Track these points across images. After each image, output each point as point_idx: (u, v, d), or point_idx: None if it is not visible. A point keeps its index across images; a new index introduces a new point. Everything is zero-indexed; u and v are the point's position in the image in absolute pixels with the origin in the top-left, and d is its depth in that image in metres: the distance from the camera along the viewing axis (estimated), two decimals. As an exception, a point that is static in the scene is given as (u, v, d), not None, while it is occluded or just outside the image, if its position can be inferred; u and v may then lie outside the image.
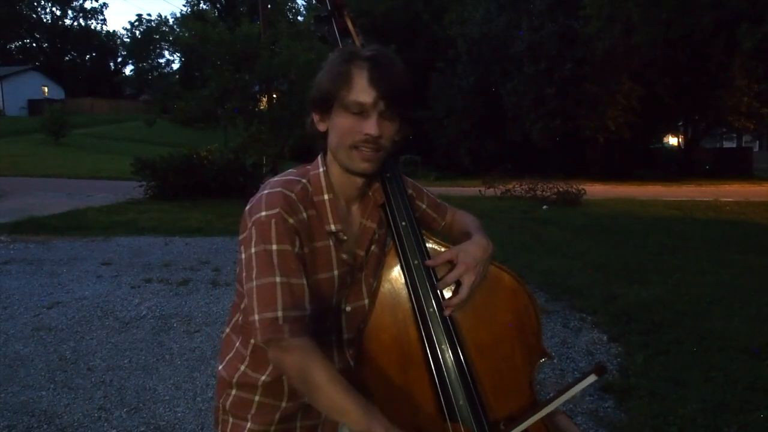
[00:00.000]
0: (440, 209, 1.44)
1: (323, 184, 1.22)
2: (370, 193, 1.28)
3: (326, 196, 1.21)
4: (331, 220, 1.20)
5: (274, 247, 1.10)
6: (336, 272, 1.21)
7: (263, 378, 1.26)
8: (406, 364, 1.23)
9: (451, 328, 1.22)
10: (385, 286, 1.26)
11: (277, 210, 1.13)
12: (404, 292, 1.25)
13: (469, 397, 1.20)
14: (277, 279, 1.09)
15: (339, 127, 1.16)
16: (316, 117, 1.22)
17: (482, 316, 1.25)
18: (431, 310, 1.22)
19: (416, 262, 1.24)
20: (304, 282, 1.12)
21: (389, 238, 1.31)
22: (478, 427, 1.20)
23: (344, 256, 1.22)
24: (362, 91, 1.13)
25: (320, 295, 1.18)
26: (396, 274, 1.26)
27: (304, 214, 1.17)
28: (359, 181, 1.23)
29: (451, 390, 1.20)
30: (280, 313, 1.07)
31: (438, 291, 1.23)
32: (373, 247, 1.29)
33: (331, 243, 1.21)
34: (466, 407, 1.20)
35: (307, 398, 1.15)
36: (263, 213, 1.13)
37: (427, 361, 1.22)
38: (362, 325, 1.26)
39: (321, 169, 1.23)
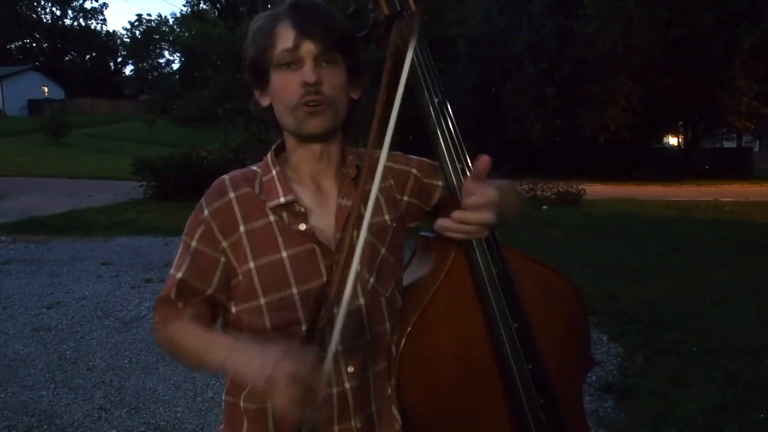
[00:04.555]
0: None
1: (269, 162, 1.11)
2: (347, 170, 1.12)
3: (274, 171, 1.09)
4: (281, 193, 1.06)
5: (183, 236, 1.10)
6: (285, 254, 1.04)
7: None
8: (470, 384, 1.09)
9: (534, 342, 1.09)
10: (448, 300, 1.09)
11: (201, 200, 1.09)
12: (475, 304, 1.08)
13: (553, 414, 1.11)
14: (173, 269, 1.10)
15: (276, 88, 1.05)
16: (257, 93, 1.11)
17: (541, 323, 1.13)
18: (516, 325, 1.07)
19: (497, 270, 1.07)
20: (181, 276, 1.09)
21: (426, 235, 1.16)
22: None
23: (302, 226, 1.05)
24: (287, 39, 1.01)
25: (271, 284, 1.04)
26: (463, 283, 1.08)
27: (231, 195, 1.07)
28: (316, 149, 1.09)
29: (540, 409, 1.10)
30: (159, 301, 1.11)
31: (519, 302, 1.08)
32: (366, 234, 1.12)
33: (273, 220, 1.06)
34: (551, 427, 1.10)
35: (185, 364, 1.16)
36: None
37: (503, 381, 1.09)
38: (398, 342, 1.10)
39: (271, 152, 1.14)
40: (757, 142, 37.86)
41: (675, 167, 24.21)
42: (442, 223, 1.01)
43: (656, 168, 23.70)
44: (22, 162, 20.85)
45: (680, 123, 26.66)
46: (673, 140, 32.24)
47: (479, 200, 0.96)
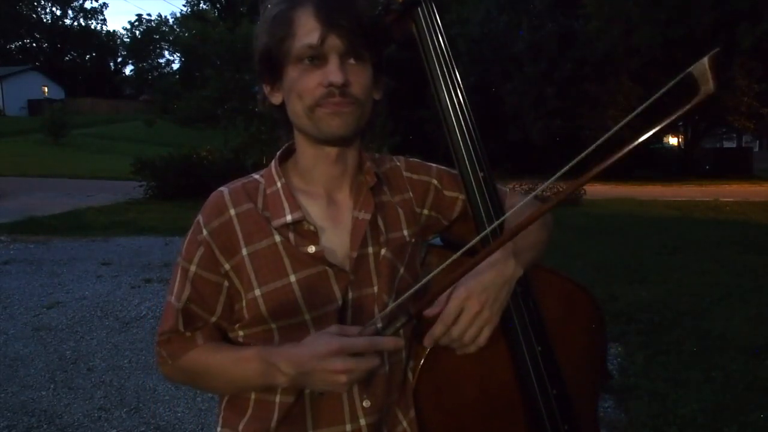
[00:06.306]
0: None
1: (274, 172, 0.99)
2: (364, 177, 1.00)
3: (279, 183, 0.97)
4: (287, 210, 0.94)
5: (179, 260, 0.98)
6: (293, 278, 0.93)
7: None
8: (493, 411, 1.04)
9: (558, 365, 1.03)
10: None
11: (198, 217, 0.96)
12: (497, 331, 1.00)
13: None
14: (172, 298, 0.98)
15: (294, 86, 0.91)
16: (266, 88, 0.98)
17: (563, 342, 1.06)
18: (541, 348, 1.01)
19: (520, 289, 0.99)
20: (182, 305, 0.97)
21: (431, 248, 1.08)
22: None
23: (311, 249, 0.94)
24: (311, 32, 0.88)
25: (280, 311, 0.93)
26: None
27: (231, 212, 0.94)
28: (332, 153, 0.97)
29: None
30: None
31: (543, 322, 1.01)
32: (383, 251, 0.99)
33: (278, 240, 0.93)
34: None
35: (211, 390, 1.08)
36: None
37: (527, 406, 1.03)
38: (414, 367, 1.02)
39: (275, 160, 1.02)
40: (757, 142, 37.85)
41: (675, 167, 24.22)
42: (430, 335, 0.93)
43: (656, 168, 23.70)
44: (22, 162, 20.84)
45: (680, 123, 26.65)
46: (673, 140, 32.23)
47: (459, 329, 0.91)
